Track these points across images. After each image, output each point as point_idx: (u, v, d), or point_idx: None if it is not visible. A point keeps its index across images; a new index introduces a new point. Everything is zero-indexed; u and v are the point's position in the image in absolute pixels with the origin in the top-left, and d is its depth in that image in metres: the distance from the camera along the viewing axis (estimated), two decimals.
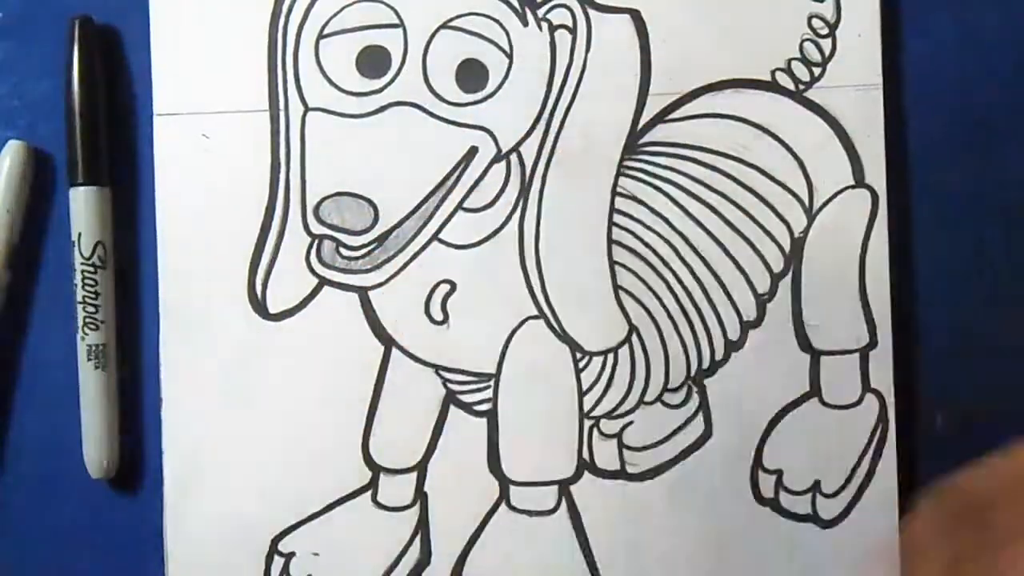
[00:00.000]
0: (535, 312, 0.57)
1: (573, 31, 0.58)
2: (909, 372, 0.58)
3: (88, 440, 0.57)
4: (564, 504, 0.57)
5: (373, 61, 0.57)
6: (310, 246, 0.57)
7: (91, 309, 0.57)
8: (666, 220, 0.58)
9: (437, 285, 0.57)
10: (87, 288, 0.57)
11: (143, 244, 0.58)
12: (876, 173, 0.57)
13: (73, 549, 0.58)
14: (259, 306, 0.57)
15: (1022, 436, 0.49)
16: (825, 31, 0.57)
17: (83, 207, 0.57)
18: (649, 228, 0.58)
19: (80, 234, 0.57)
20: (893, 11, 0.58)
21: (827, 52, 0.58)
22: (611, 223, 0.57)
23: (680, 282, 0.57)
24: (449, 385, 0.58)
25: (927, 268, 0.58)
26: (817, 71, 0.58)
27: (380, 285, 0.57)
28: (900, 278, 0.58)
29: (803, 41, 0.58)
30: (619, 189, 0.57)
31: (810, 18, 0.58)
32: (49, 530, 0.58)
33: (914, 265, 0.58)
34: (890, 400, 0.57)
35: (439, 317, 0.57)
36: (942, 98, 0.58)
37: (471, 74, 0.57)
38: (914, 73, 0.58)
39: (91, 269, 0.57)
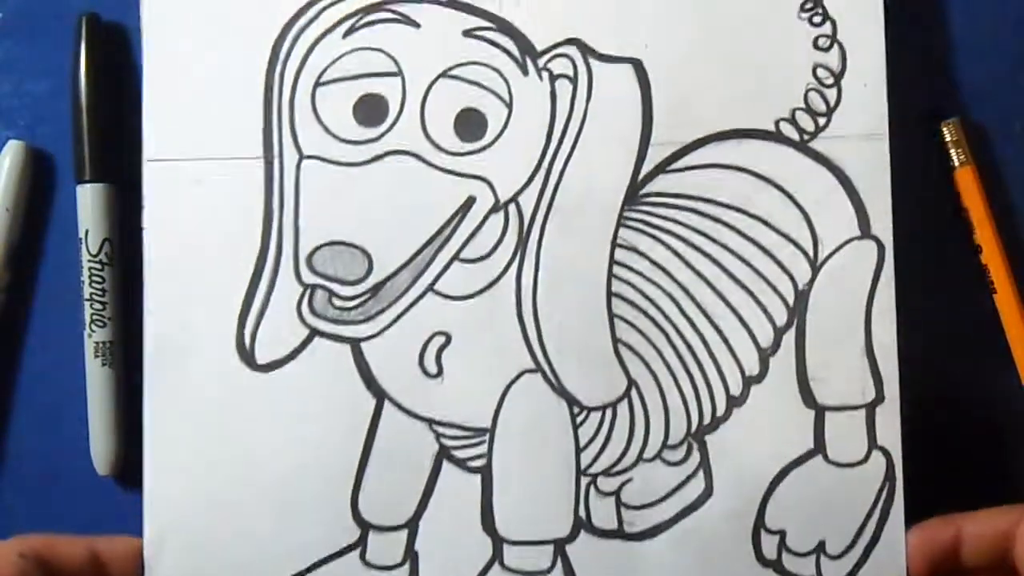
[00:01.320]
0: (532, 365, 0.56)
1: (574, 81, 0.57)
2: (918, 429, 0.56)
3: (95, 437, 0.58)
4: (560, 564, 0.56)
5: (370, 109, 0.57)
6: (302, 295, 0.56)
7: (98, 306, 0.57)
8: (667, 272, 0.56)
9: (432, 337, 0.56)
10: (94, 285, 0.57)
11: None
12: (882, 224, 0.56)
13: None
14: (247, 356, 0.56)
15: None
16: (830, 80, 0.56)
17: (90, 204, 0.58)
18: (650, 280, 0.56)
19: (87, 231, 0.57)
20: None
21: (832, 102, 0.57)
22: (611, 275, 0.56)
23: (681, 336, 0.56)
24: (442, 440, 0.56)
25: (935, 320, 0.57)
26: (822, 121, 0.56)
27: (373, 337, 0.56)
28: (908, 331, 0.56)
29: (808, 91, 0.57)
30: (619, 240, 0.56)
31: (815, 68, 0.57)
32: (55, 526, 0.56)
33: (921, 317, 0.57)
34: (897, 457, 0.55)
35: (433, 370, 0.56)
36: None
37: (470, 123, 0.56)
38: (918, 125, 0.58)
39: (98, 266, 0.57)
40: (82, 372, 0.58)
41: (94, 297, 0.57)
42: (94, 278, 0.57)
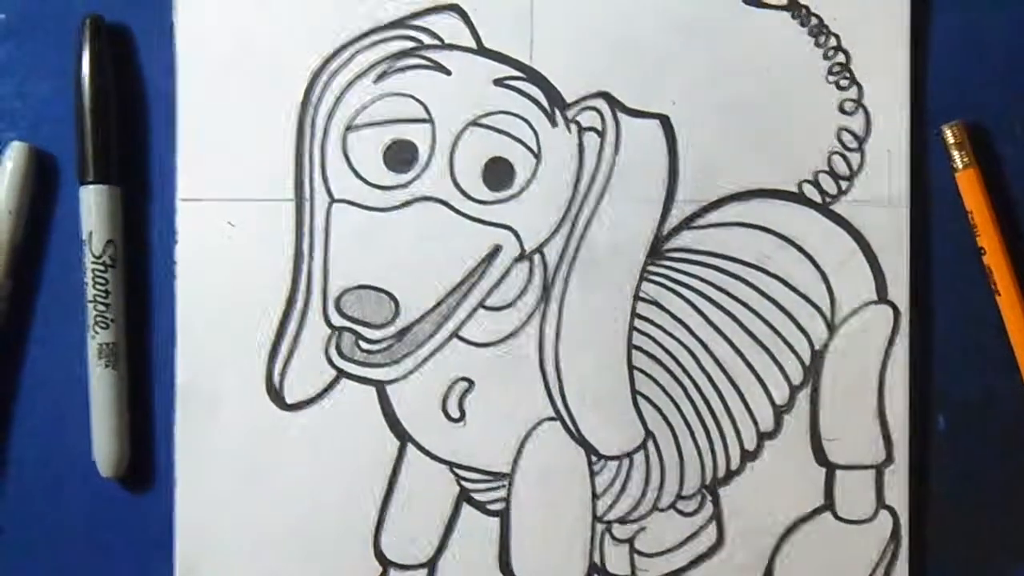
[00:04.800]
0: (552, 413, 0.57)
1: (602, 134, 0.57)
2: (925, 490, 0.58)
3: (99, 439, 0.58)
4: None
5: (400, 155, 0.57)
6: (329, 338, 0.57)
7: (101, 308, 0.57)
8: (687, 327, 0.58)
9: (455, 382, 0.57)
10: (97, 287, 0.57)
11: (153, 243, 0.59)
12: (899, 290, 0.57)
13: (83, 548, 0.59)
14: (276, 395, 0.57)
15: None
16: (854, 145, 0.57)
17: (94, 206, 0.57)
18: (670, 334, 0.58)
19: (91, 233, 0.57)
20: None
21: (855, 166, 0.57)
22: (632, 328, 0.57)
23: (699, 390, 0.57)
24: (463, 483, 0.58)
25: (946, 384, 0.58)
26: (844, 184, 0.57)
27: (398, 380, 0.57)
28: (920, 396, 0.58)
29: (831, 154, 0.57)
30: (641, 294, 0.57)
31: (839, 131, 0.57)
32: (59, 529, 0.58)
33: (933, 381, 0.58)
34: (904, 518, 0.57)
35: (456, 414, 0.57)
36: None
37: (498, 172, 0.57)
38: (942, 191, 0.58)
39: (101, 268, 0.57)
40: (85, 374, 0.58)
41: (97, 299, 0.57)
42: (97, 280, 0.57)
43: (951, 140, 0.57)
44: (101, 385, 0.57)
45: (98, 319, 0.57)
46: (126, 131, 0.58)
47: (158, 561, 0.58)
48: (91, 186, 0.58)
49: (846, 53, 0.57)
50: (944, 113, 0.58)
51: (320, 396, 0.58)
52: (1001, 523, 0.58)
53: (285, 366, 0.57)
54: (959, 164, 0.57)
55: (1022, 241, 0.58)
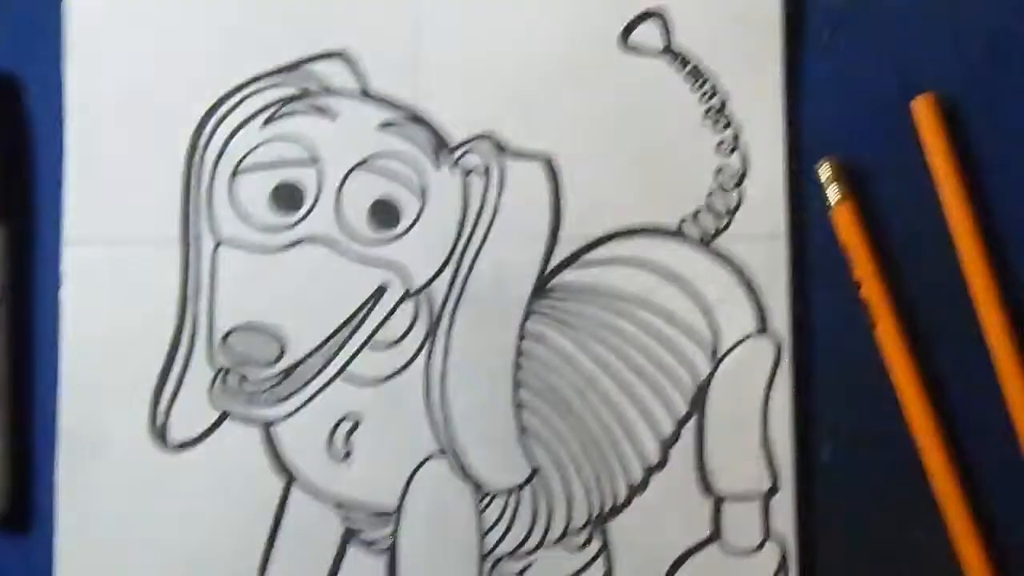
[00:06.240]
0: (438, 450, 0.57)
1: (486, 175, 0.58)
2: (811, 520, 0.58)
3: None
4: None
5: (287, 197, 0.58)
6: (215, 377, 0.57)
7: None
8: (571, 362, 0.58)
9: (341, 420, 0.57)
10: None
11: (38, 284, 0.59)
12: (780, 322, 0.58)
13: None
14: (160, 436, 0.57)
15: None
16: (732, 184, 0.59)
17: None
18: (554, 370, 0.58)
19: None
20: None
21: (733, 204, 0.59)
22: (517, 363, 0.58)
23: (584, 424, 0.58)
24: (349, 522, 0.57)
25: (830, 415, 0.59)
26: (723, 222, 0.59)
27: (283, 419, 0.57)
28: (803, 425, 0.58)
29: (711, 192, 0.59)
30: (526, 330, 0.58)
31: (718, 170, 0.59)
32: None
33: (816, 411, 0.59)
34: (791, 547, 0.57)
35: (341, 452, 0.57)
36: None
37: (384, 213, 0.58)
38: (819, 226, 0.59)
39: None
40: None
41: None
42: None
43: (825, 175, 0.59)
44: None
45: None
46: (13, 172, 0.59)
47: None
48: None
49: (723, 96, 0.59)
50: (819, 150, 0.59)
51: (204, 436, 0.57)
52: (889, 552, 0.58)
53: (169, 406, 0.57)
54: (833, 199, 0.59)
55: (897, 273, 0.59)
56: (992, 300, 0.58)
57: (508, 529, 0.57)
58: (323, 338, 0.57)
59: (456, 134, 0.59)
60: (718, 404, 0.58)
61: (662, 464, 0.58)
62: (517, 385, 0.58)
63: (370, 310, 0.58)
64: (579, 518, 0.57)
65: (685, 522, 0.57)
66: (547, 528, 0.57)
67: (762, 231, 0.59)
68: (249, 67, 0.59)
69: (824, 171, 0.58)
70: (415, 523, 0.57)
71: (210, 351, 0.57)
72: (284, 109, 0.59)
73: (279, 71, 0.59)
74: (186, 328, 0.57)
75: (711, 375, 0.58)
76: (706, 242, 0.59)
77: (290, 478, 0.57)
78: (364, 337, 0.58)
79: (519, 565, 0.57)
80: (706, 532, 0.57)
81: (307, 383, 0.57)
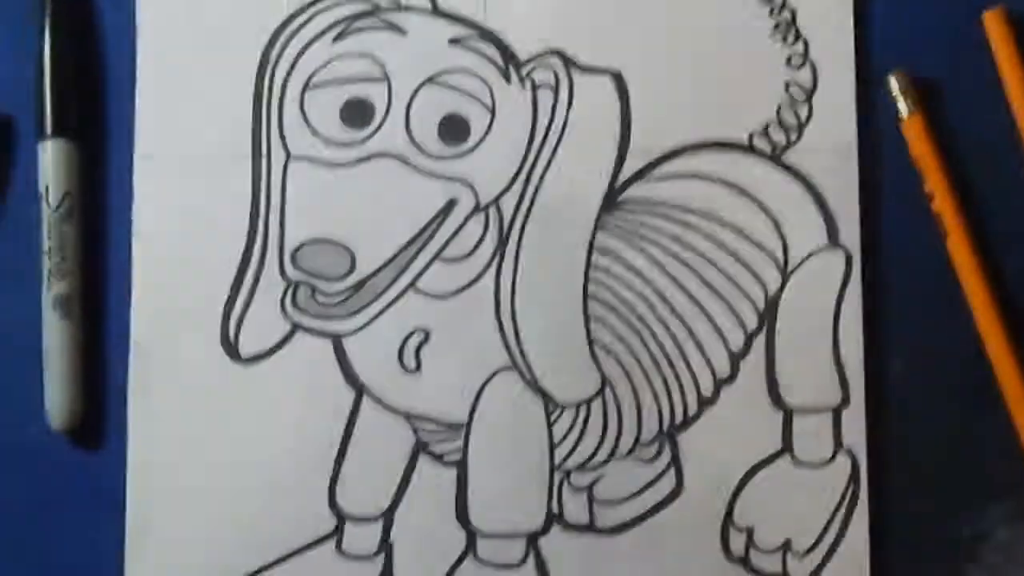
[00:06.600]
0: (508, 363, 0.57)
1: (555, 90, 0.59)
2: (882, 432, 0.58)
3: (51, 390, 0.57)
4: (532, 557, 0.57)
5: (357, 112, 0.58)
6: (285, 291, 0.57)
7: (57, 259, 0.57)
8: (642, 276, 0.58)
9: (411, 334, 0.57)
10: (53, 239, 0.57)
11: (110, 198, 0.59)
12: (850, 235, 0.58)
13: (33, 503, 0.58)
14: (231, 349, 0.57)
15: None
16: (802, 97, 0.59)
17: (51, 159, 0.58)
18: (625, 283, 0.58)
19: (47, 186, 0.57)
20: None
21: (803, 117, 0.59)
22: (587, 278, 0.58)
23: (654, 337, 0.58)
24: (419, 434, 0.57)
25: (900, 327, 0.58)
26: (793, 135, 0.58)
27: (354, 332, 0.57)
28: (873, 338, 0.58)
29: (780, 106, 0.59)
30: (596, 244, 0.58)
31: (788, 84, 0.59)
32: (7, 484, 0.58)
33: (887, 325, 0.58)
34: (862, 459, 0.57)
35: (412, 365, 0.57)
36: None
37: (453, 128, 0.58)
38: (890, 139, 0.59)
39: (58, 219, 0.57)
40: (39, 328, 0.58)
41: (53, 250, 0.57)
42: (53, 232, 0.57)
43: (896, 88, 0.58)
44: (55, 336, 0.57)
45: (53, 270, 0.57)
46: (85, 88, 0.59)
47: (109, 517, 0.57)
48: (48, 140, 0.58)
49: (792, 10, 0.59)
50: (889, 63, 0.59)
51: (275, 349, 0.57)
52: (959, 465, 0.58)
53: (241, 319, 0.57)
54: (904, 112, 0.58)
55: (969, 186, 0.59)
56: None
57: (578, 441, 0.57)
58: (393, 252, 0.57)
59: (525, 50, 0.59)
60: (788, 317, 0.58)
61: (732, 377, 0.58)
62: (587, 298, 0.58)
63: (440, 224, 0.58)
64: (649, 431, 0.57)
65: (755, 435, 0.57)
66: (617, 441, 0.57)
67: (832, 145, 0.58)
68: None
69: (895, 84, 0.58)
70: (485, 436, 0.57)
71: (281, 265, 0.57)
72: (354, 25, 0.59)
73: None
74: (257, 243, 0.58)
75: (781, 288, 0.58)
76: (776, 156, 0.58)
77: (360, 391, 0.57)
78: (434, 251, 0.58)
79: (589, 477, 0.57)
80: (777, 445, 0.57)
81: (377, 297, 0.57)
